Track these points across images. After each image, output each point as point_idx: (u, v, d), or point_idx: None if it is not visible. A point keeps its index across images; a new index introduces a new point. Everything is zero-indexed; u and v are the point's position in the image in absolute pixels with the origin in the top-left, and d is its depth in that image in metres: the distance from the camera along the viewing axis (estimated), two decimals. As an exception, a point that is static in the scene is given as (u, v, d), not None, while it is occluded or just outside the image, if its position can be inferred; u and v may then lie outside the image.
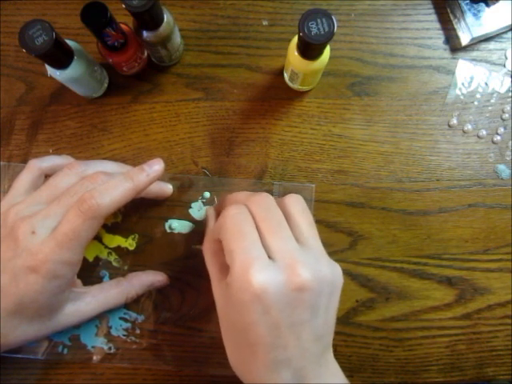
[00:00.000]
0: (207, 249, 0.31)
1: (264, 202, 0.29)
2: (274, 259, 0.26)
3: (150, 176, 0.31)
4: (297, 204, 0.30)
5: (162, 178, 0.38)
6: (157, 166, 0.32)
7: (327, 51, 0.34)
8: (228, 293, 0.27)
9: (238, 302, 0.26)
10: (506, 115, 0.40)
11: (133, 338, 0.37)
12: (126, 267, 0.38)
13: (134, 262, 0.38)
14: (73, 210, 0.28)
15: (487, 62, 0.41)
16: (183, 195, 0.39)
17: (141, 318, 0.37)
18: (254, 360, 0.26)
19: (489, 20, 0.40)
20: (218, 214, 0.33)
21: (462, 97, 0.41)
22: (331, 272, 0.28)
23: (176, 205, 0.39)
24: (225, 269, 0.28)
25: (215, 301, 0.29)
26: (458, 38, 0.41)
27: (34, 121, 0.40)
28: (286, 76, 0.39)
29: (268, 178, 0.39)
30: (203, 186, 0.39)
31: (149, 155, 0.39)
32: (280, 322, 0.26)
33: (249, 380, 0.28)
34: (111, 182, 0.29)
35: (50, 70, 0.35)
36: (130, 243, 0.38)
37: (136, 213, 0.38)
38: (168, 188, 0.38)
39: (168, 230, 0.38)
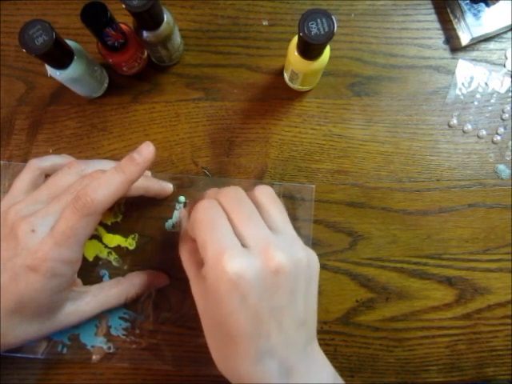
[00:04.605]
0: (183, 249, 0.31)
1: (234, 194, 0.29)
2: (248, 246, 0.26)
3: (141, 164, 0.30)
4: (266, 193, 0.30)
5: (162, 178, 0.38)
6: (146, 152, 0.30)
7: (327, 51, 0.34)
8: (205, 286, 0.27)
9: (215, 293, 0.26)
10: (506, 115, 0.40)
11: (132, 338, 0.37)
12: (125, 267, 0.38)
13: (133, 261, 0.38)
14: (69, 207, 0.28)
15: (487, 61, 0.41)
16: (183, 195, 0.39)
17: (140, 318, 0.37)
18: (238, 353, 0.26)
19: (489, 20, 0.40)
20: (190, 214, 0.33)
21: (461, 97, 0.41)
22: (306, 256, 0.28)
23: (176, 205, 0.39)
24: (201, 265, 0.28)
25: (194, 299, 0.29)
26: (458, 37, 0.41)
27: (34, 121, 0.40)
28: (286, 76, 0.39)
29: (268, 178, 0.39)
30: (203, 186, 0.39)
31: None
32: (259, 308, 0.25)
33: (234, 375, 0.27)
34: (104, 177, 0.29)
35: (50, 70, 0.35)
36: (129, 243, 0.38)
37: (136, 212, 0.38)
38: (168, 187, 0.38)
39: (177, 205, 0.38)
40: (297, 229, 0.38)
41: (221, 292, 0.25)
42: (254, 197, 0.30)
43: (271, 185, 0.39)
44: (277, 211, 0.29)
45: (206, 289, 0.26)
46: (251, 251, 0.26)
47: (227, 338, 0.26)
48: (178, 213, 0.38)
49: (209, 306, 0.27)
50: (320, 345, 0.29)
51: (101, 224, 0.38)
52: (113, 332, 0.37)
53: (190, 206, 0.35)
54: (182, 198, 0.38)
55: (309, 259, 0.28)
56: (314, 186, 0.39)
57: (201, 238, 0.27)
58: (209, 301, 0.27)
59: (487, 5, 0.40)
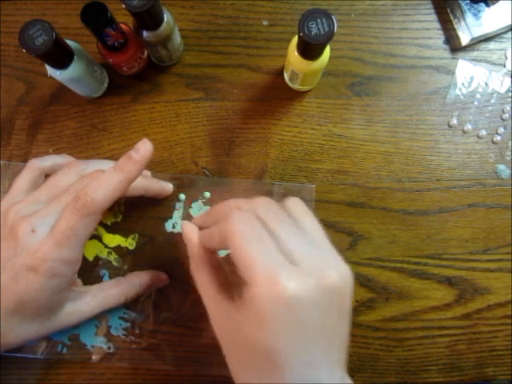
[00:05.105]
0: (199, 268, 0.28)
1: (270, 205, 0.27)
2: (296, 263, 0.24)
3: (139, 162, 0.29)
4: (300, 206, 0.28)
5: (162, 178, 0.38)
6: (143, 149, 0.30)
7: (327, 51, 0.34)
8: (241, 312, 0.24)
9: (261, 319, 0.23)
10: (506, 115, 0.40)
11: (132, 338, 0.37)
12: (125, 267, 0.38)
13: (133, 261, 0.38)
14: (68, 207, 0.28)
15: (487, 61, 0.41)
16: (183, 193, 0.39)
17: (140, 318, 0.37)
18: (282, 380, 0.23)
19: (489, 20, 0.40)
20: (203, 227, 0.30)
21: (462, 97, 0.41)
22: (350, 272, 0.26)
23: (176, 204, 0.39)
24: (226, 287, 0.26)
25: (214, 322, 0.26)
26: (458, 37, 0.41)
27: (34, 121, 0.40)
28: (286, 76, 0.39)
29: (268, 178, 0.39)
30: (203, 186, 0.39)
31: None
32: (313, 333, 0.23)
33: None
34: (103, 177, 0.29)
35: (50, 70, 0.35)
36: (129, 243, 0.38)
37: (136, 212, 0.38)
38: (168, 187, 0.38)
39: (177, 205, 0.38)
40: (297, 229, 0.38)
41: (272, 316, 0.23)
42: (286, 208, 0.28)
43: (271, 185, 0.39)
44: (314, 225, 0.27)
45: (246, 311, 0.24)
46: (303, 270, 0.24)
47: (267, 364, 0.24)
48: (178, 213, 0.38)
49: (244, 330, 0.24)
50: (320, 345, 0.29)
51: (101, 224, 0.38)
52: (113, 332, 0.37)
53: (200, 219, 0.31)
54: (182, 196, 0.38)
55: (351, 275, 0.26)
56: (313, 186, 0.39)
57: (245, 254, 0.24)
58: (247, 324, 0.24)
59: (487, 5, 0.40)
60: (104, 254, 0.38)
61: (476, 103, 0.40)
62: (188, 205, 0.38)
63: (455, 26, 0.41)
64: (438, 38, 0.41)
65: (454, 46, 0.41)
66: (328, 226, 0.39)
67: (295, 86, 0.39)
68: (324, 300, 0.24)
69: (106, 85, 0.40)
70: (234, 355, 0.26)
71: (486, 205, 0.39)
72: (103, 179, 0.29)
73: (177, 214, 0.38)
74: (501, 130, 0.40)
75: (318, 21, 0.30)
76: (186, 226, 0.30)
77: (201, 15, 0.41)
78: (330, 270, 0.24)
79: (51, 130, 0.40)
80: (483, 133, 0.40)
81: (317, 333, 0.24)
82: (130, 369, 0.37)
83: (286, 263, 0.24)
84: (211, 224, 0.28)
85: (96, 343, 0.36)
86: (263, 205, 0.27)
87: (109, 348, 0.36)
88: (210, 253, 0.28)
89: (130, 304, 0.37)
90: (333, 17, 0.30)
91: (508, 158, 0.40)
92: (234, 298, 0.26)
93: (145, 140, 0.30)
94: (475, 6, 0.40)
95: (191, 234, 0.30)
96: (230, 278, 0.28)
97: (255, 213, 0.26)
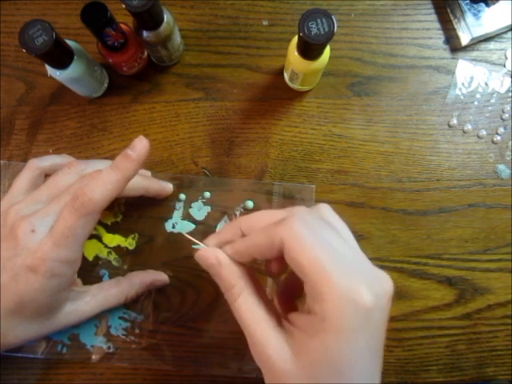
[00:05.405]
0: (239, 292, 0.25)
1: (312, 213, 0.26)
2: (355, 270, 0.23)
3: (136, 160, 0.29)
4: (335, 215, 0.28)
5: (162, 178, 0.38)
6: (140, 147, 0.30)
7: (327, 51, 0.34)
8: (307, 331, 0.23)
9: (339, 333, 0.21)
10: (506, 115, 0.40)
11: (132, 338, 0.37)
12: (125, 266, 0.38)
13: (133, 261, 0.38)
14: (67, 207, 0.28)
15: (487, 62, 0.41)
16: (183, 193, 0.39)
17: (140, 318, 0.37)
18: None
19: (489, 20, 0.40)
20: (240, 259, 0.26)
21: (462, 97, 0.41)
22: None
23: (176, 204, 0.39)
24: (271, 310, 0.25)
25: (263, 356, 0.23)
26: (458, 37, 0.41)
27: (34, 121, 0.40)
28: (286, 76, 0.39)
29: (268, 178, 0.39)
30: (203, 186, 0.39)
31: (149, 155, 0.39)
32: (379, 344, 0.23)
33: None
34: (100, 177, 0.29)
35: (50, 70, 0.35)
36: (129, 242, 0.38)
37: (136, 212, 0.38)
38: (168, 187, 0.38)
39: (177, 204, 0.38)
40: (297, 229, 0.38)
41: (354, 327, 0.21)
42: (324, 218, 0.27)
43: (271, 185, 0.39)
44: (350, 234, 0.27)
45: (316, 329, 0.22)
46: (369, 278, 0.23)
47: (333, 378, 0.22)
48: (178, 213, 0.38)
49: (308, 351, 0.22)
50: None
51: (101, 224, 0.38)
52: (112, 332, 0.37)
53: (228, 232, 0.27)
54: (182, 196, 0.38)
55: None
56: (313, 186, 0.39)
57: (314, 261, 0.22)
58: (315, 344, 0.22)
59: (487, 5, 0.40)
60: (104, 253, 0.38)
61: (476, 103, 0.40)
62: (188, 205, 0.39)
63: (455, 26, 0.41)
64: (438, 38, 0.41)
65: (454, 46, 0.41)
66: (328, 225, 0.39)
67: (295, 86, 0.39)
68: (386, 307, 0.23)
69: (106, 85, 0.40)
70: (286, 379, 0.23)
71: (486, 205, 0.39)
72: (101, 178, 0.29)
73: (177, 214, 0.38)
74: (501, 129, 0.40)
75: (318, 21, 0.30)
76: (206, 251, 0.26)
77: (201, 15, 0.41)
78: (383, 277, 0.24)
79: (51, 130, 0.40)
80: (483, 133, 0.40)
81: (379, 341, 0.23)
82: (130, 369, 0.37)
83: (355, 271, 0.23)
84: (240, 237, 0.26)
85: (96, 343, 0.36)
86: (306, 212, 0.25)
87: (109, 348, 0.36)
88: (247, 272, 0.26)
89: (130, 304, 0.37)
90: (333, 17, 0.30)
91: (508, 158, 0.40)
92: (280, 322, 0.25)
93: (141, 137, 0.30)
94: (475, 5, 0.40)
95: (217, 256, 0.26)
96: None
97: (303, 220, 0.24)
